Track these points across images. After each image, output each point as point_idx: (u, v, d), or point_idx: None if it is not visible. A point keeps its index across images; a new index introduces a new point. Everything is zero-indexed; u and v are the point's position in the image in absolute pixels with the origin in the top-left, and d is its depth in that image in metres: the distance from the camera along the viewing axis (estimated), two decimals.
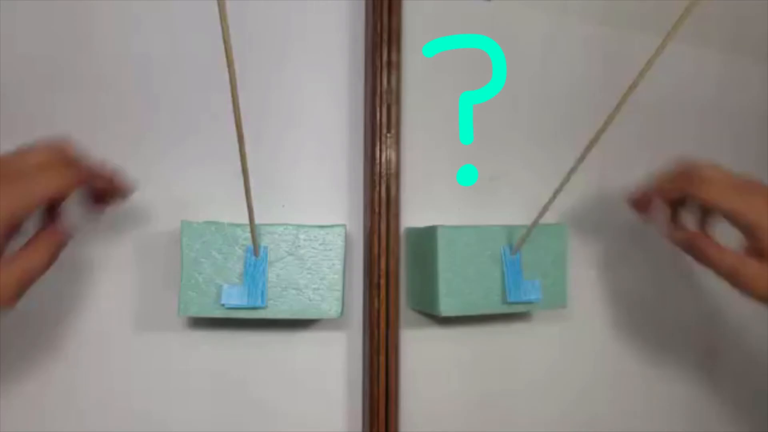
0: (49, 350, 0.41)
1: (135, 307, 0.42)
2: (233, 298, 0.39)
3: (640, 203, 0.45)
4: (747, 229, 0.40)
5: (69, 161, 0.33)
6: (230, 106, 0.30)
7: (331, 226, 0.41)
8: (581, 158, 0.36)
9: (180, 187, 0.43)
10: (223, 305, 0.39)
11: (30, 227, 0.34)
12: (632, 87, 0.32)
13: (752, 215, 0.39)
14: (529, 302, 0.44)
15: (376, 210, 0.45)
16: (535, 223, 0.41)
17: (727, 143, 0.41)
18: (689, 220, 0.44)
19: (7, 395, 0.40)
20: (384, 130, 0.46)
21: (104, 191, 0.37)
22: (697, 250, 0.42)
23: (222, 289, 0.39)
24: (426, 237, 0.44)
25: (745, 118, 0.42)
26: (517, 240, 0.43)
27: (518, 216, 0.51)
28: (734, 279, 0.40)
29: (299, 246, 0.40)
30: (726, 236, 0.41)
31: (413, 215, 0.48)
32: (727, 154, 0.47)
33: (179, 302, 0.38)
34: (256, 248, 0.39)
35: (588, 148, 0.35)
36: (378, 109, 0.45)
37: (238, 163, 0.33)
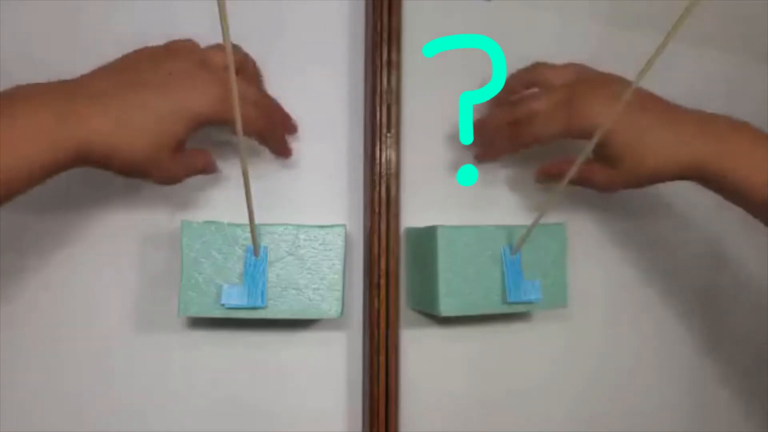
0: (49, 350, 0.41)
1: (135, 307, 0.42)
2: (233, 298, 0.39)
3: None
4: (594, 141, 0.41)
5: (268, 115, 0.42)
6: None
7: (331, 226, 0.41)
8: (582, 158, 0.36)
9: (180, 187, 0.43)
10: (223, 305, 0.39)
11: None
12: (632, 87, 0.32)
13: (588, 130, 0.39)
14: (529, 302, 0.44)
15: (376, 210, 0.45)
16: (535, 223, 0.41)
17: None
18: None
19: (8, 395, 0.40)
20: (384, 130, 0.46)
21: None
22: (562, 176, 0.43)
23: (222, 289, 0.39)
24: (426, 237, 0.44)
25: (746, 118, 0.42)
26: (517, 240, 0.43)
27: (518, 216, 0.51)
28: (589, 186, 0.45)
29: (299, 246, 0.40)
30: None
31: (413, 215, 0.48)
32: None
33: (179, 302, 0.38)
34: (256, 248, 0.39)
35: (588, 148, 0.35)
36: (378, 109, 0.45)
37: (239, 163, 0.33)
